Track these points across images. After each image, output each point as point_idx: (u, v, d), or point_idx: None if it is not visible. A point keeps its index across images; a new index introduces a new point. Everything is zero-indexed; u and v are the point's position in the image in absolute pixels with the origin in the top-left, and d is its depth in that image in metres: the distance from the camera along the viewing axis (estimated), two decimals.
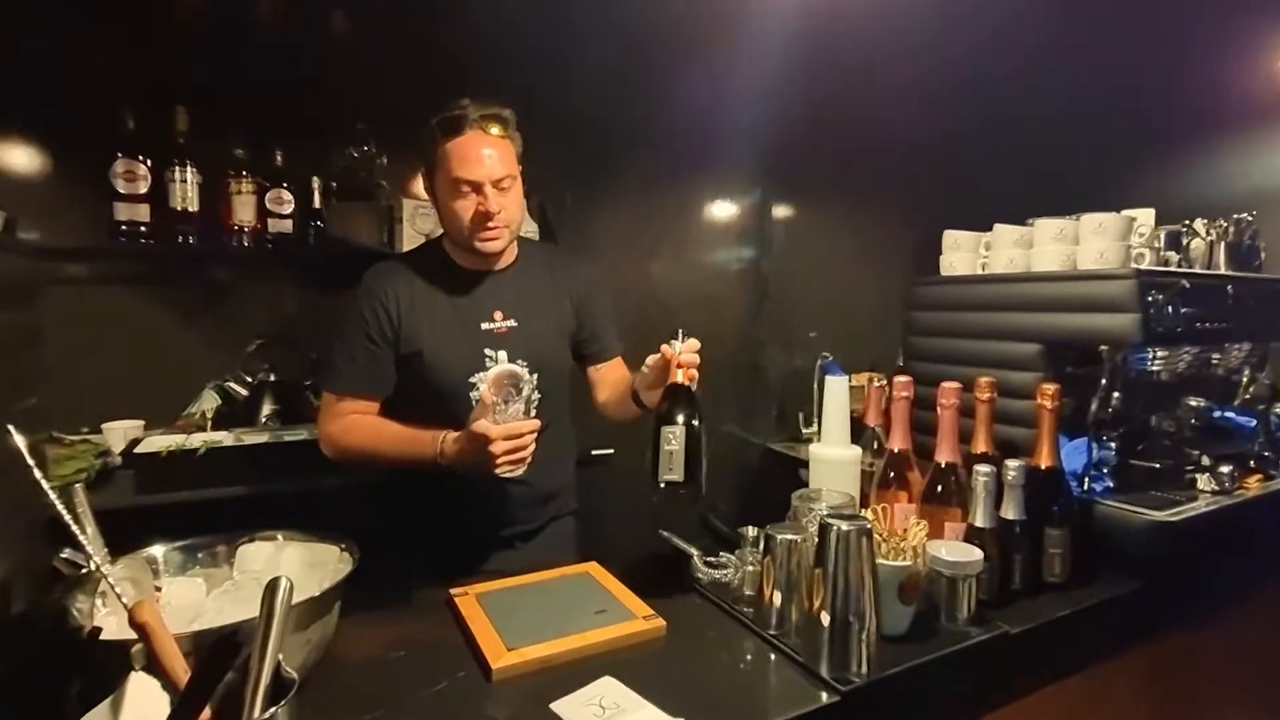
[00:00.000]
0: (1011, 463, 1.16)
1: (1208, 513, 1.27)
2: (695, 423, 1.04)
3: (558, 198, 2.19)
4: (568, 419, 1.42)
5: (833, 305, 2.68)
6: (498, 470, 1.10)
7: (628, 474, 1.05)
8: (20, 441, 0.73)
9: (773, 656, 0.98)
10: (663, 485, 1.01)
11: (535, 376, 1.29)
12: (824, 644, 0.91)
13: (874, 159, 2.64)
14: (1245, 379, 1.65)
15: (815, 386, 2.51)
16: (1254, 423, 1.49)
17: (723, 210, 2.62)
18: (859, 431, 1.38)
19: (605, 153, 2.26)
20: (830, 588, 0.90)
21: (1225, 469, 1.38)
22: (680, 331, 1.11)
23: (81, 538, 0.70)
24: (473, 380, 1.25)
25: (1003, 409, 1.26)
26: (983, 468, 1.13)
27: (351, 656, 0.93)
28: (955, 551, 1.07)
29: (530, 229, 2.06)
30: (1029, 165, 2.35)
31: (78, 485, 0.81)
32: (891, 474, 1.27)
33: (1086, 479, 1.36)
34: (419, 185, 2.06)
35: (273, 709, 0.60)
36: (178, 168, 1.73)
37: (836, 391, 1.37)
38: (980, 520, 1.13)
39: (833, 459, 1.34)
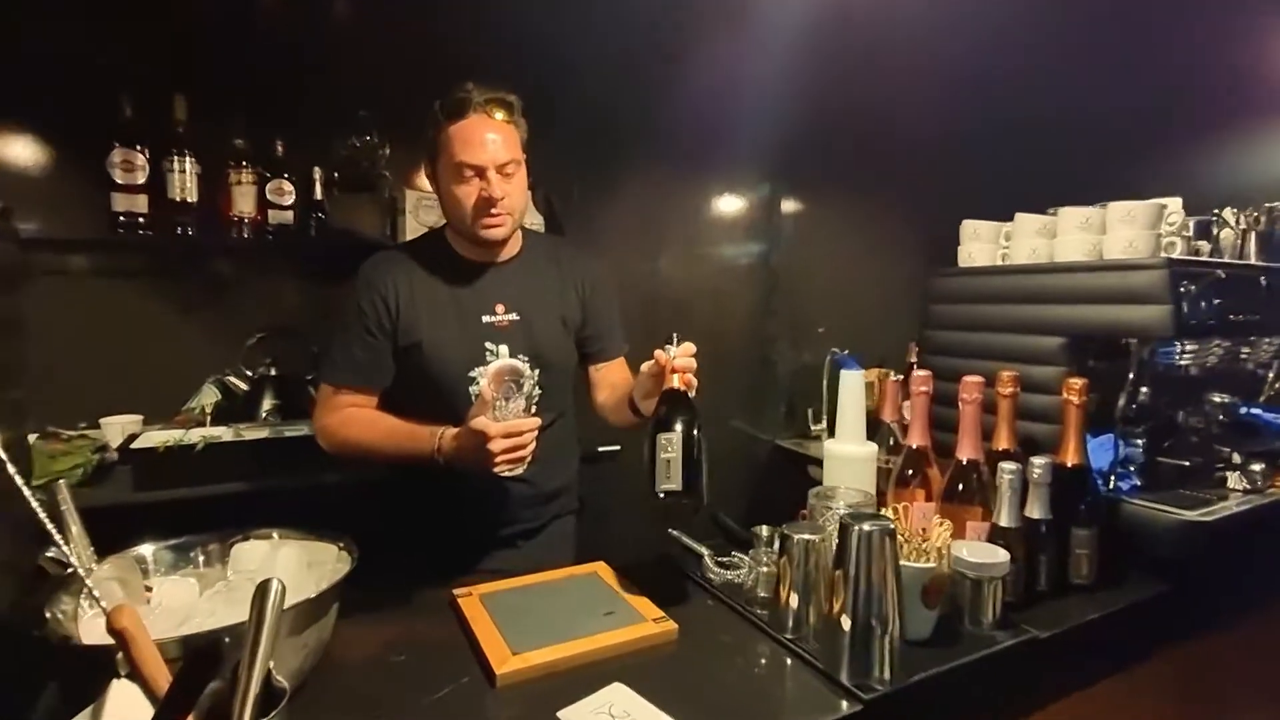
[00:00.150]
0: (1037, 460, 1.11)
1: (1241, 513, 1.22)
2: (694, 430, 0.99)
3: (564, 190, 2.15)
4: (572, 416, 1.38)
5: (842, 300, 2.65)
6: (496, 469, 1.07)
7: (635, 471, 1.01)
8: None
9: (789, 661, 0.94)
10: (661, 495, 0.96)
11: (537, 372, 1.24)
12: (844, 649, 0.87)
13: (885, 151, 2.59)
14: (1272, 374, 1.60)
15: (824, 382, 2.47)
16: None
17: (731, 204, 2.58)
18: (873, 427, 1.34)
19: (612, 145, 2.22)
20: (851, 591, 0.86)
21: (1257, 467, 1.33)
22: (675, 336, 1.07)
23: (58, 538, 0.66)
24: (472, 375, 1.22)
25: (1024, 404, 1.21)
26: (1008, 465, 1.08)
27: (350, 659, 0.89)
28: (979, 552, 1.02)
29: (535, 222, 2.02)
30: (1044, 156, 2.29)
31: (61, 482, 0.77)
32: (910, 471, 1.22)
33: (1112, 477, 1.31)
34: (423, 177, 2.04)
35: None
36: (176, 158, 1.70)
37: (852, 386, 1.33)
38: (1005, 520, 1.08)
39: (848, 455, 1.29)
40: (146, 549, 0.87)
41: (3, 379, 1.27)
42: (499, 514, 1.27)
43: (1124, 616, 1.09)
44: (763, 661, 0.93)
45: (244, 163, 1.77)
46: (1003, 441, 1.22)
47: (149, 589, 0.85)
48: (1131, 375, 1.30)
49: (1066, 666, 1.04)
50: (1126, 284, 1.24)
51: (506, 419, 1.07)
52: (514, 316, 1.26)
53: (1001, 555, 1.01)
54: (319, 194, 1.88)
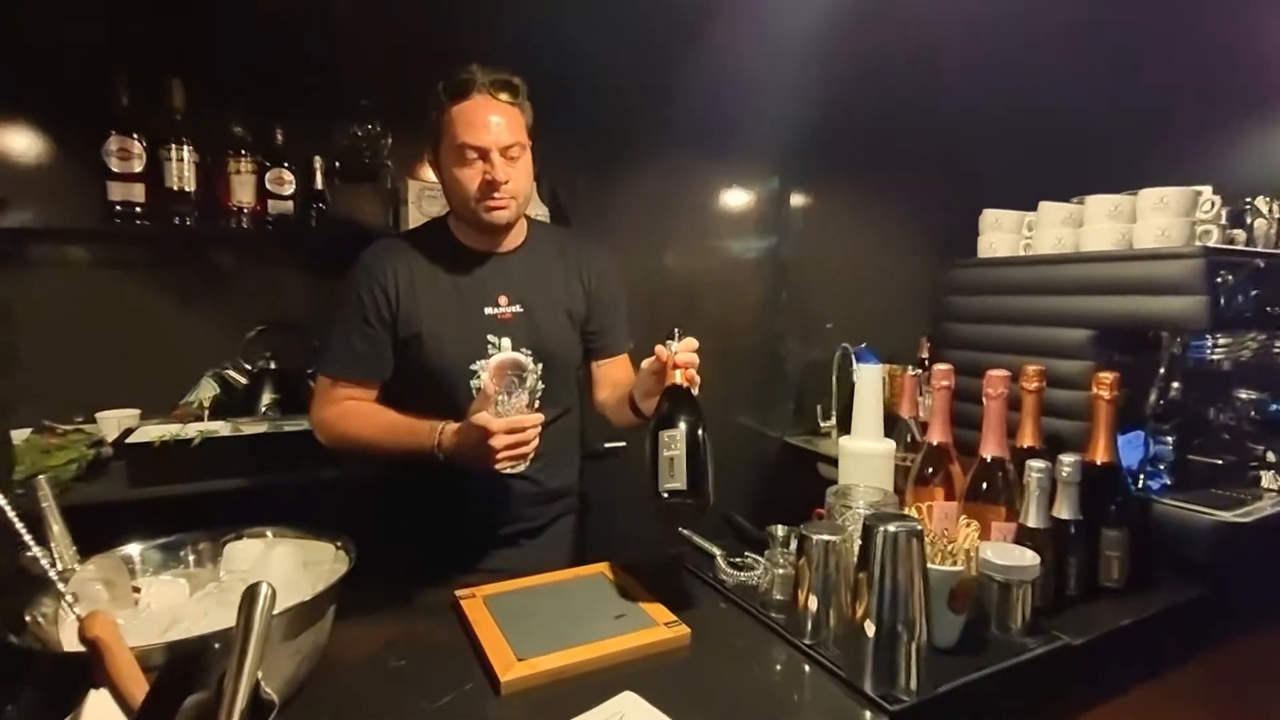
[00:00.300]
0: (1066, 458, 1.06)
1: (1277, 513, 1.17)
2: (698, 427, 0.94)
3: (569, 181, 2.10)
4: (577, 413, 1.33)
5: (851, 294, 2.60)
6: (498, 466, 1.03)
7: (641, 468, 0.96)
8: None
9: (807, 669, 0.89)
10: (665, 495, 0.91)
11: (540, 367, 1.20)
12: (868, 657, 0.82)
13: (897, 143, 2.54)
14: None
15: (834, 378, 2.43)
16: None
17: (740, 196, 2.54)
18: (889, 423, 1.29)
19: (619, 135, 2.18)
20: (876, 595, 0.81)
21: None
22: (676, 331, 1.02)
23: (27, 538, 0.62)
24: (474, 368, 1.17)
25: (1047, 400, 1.16)
26: (1036, 463, 1.03)
27: (347, 664, 0.85)
28: (1007, 554, 0.98)
29: (540, 213, 1.97)
30: (1059, 146, 2.23)
31: (41, 478, 0.73)
32: (930, 469, 1.17)
33: (1141, 476, 1.25)
34: (426, 168, 2.00)
35: None
36: (174, 146, 1.66)
37: (869, 380, 1.28)
38: (1033, 520, 1.03)
39: (865, 452, 1.25)
40: (134, 548, 0.83)
41: None
42: (501, 512, 1.23)
43: (1158, 621, 1.04)
44: (781, 669, 0.89)
45: (243, 151, 1.73)
46: (1027, 438, 1.17)
47: (138, 589, 0.81)
48: (1162, 370, 1.24)
49: (1099, 674, 0.99)
50: (1159, 274, 1.19)
51: (509, 414, 1.03)
52: (517, 308, 1.22)
53: (1031, 558, 0.96)
54: (320, 184, 1.84)
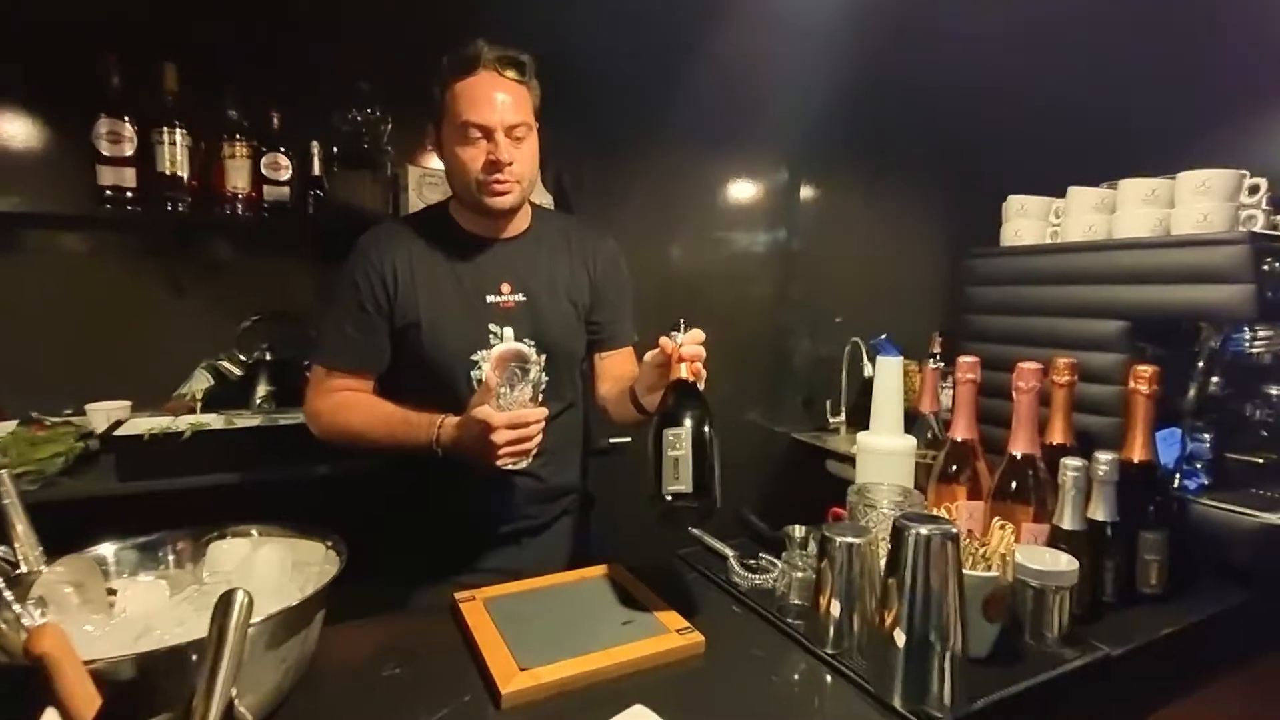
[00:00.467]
0: (1102, 455, 1.00)
1: None
2: (704, 424, 0.87)
3: (574, 169, 2.04)
4: (581, 407, 1.27)
5: (860, 288, 2.55)
6: (499, 462, 0.98)
7: (646, 465, 0.90)
8: None
9: (829, 678, 0.83)
10: (669, 498, 0.85)
11: (543, 358, 1.14)
12: (897, 668, 0.76)
13: (909, 135, 2.47)
14: None
15: (844, 373, 2.37)
16: None
17: (749, 187, 2.48)
18: (905, 420, 1.23)
19: (627, 123, 2.12)
20: (906, 601, 0.75)
21: None
22: (682, 322, 0.96)
23: None
24: (474, 359, 1.12)
25: (1075, 395, 1.10)
26: (1071, 461, 0.97)
27: (336, 674, 0.80)
28: (1042, 559, 0.91)
29: (544, 201, 1.92)
30: (1083, 133, 2.16)
31: (3, 473, 0.68)
32: (954, 467, 1.11)
33: (1178, 475, 1.19)
34: (427, 155, 1.95)
35: None
36: (166, 129, 1.60)
37: (889, 373, 1.22)
38: (1068, 522, 0.97)
39: (885, 449, 1.18)
40: (107, 548, 0.77)
41: None
42: (502, 510, 1.17)
43: (1201, 630, 0.98)
44: (802, 680, 0.83)
45: (238, 136, 1.67)
46: (1057, 435, 1.11)
47: (113, 592, 0.75)
48: (1201, 363, 1.18)
49: (1140, 686, 0.93)
50: (1200, 261, 1.12)
51: (511, 408, 0.97)
52: (520, 297, 1.16)
53: (1068, 562, 0.90)
54: (317, 170, 1.78)
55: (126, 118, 1.56)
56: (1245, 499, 1.14)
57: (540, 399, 1.04)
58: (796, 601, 0.96)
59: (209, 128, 1.66)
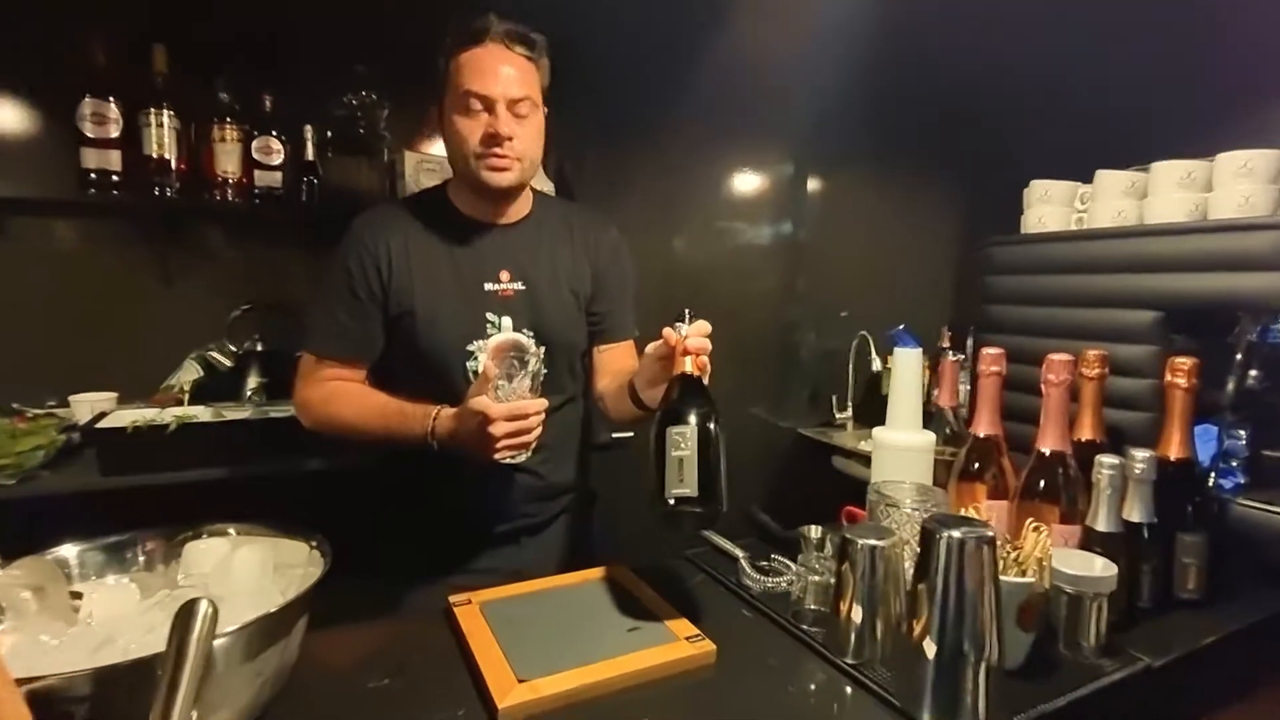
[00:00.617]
0: (1138, 453, 0.94)
1: None
2: (710, 422, 0.81)
3: (577, 157, 1.98)
4: (581, 401, 1.21)
5: (869, 281, 2.49)
6: (497, 455, 0.92)
7: (648, 463, 0.84)
8: None
9: (850, 690, 0.77)
10: (671, 502, 0.79)
11: (542, 350, 1.08)
12: (927, 681, 0.70)
13: (920, 123, 2.40)
14: None
15: (850, 367, 2.31)
16: None
17: (755, 178, 2.43)
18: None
19: (631, 111, 2.06)
20: (938, 609, 0.69)
21: None
22: (687, 312, 0.89)
23: None
24: (470, 348, 1.06)
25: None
26: (1107, 459, 0.91)
27: (319, 685, 0.74)
28: (1076, 563, 0.85)
29: (546, 189, 1.86)
30: (1105, 114, 2.08)
31: None
32: (976, 464, 1.05)
33: (1213, 473, 1.13)
34: (426, 140, 1.89)
35: None
36: (153, 111, 1.54)
37: (908, 366, 1.16)
38: (1103, 523, 0.91)
39: (903, 445, 1.13)
40: (69, 550, 0.71)
41: None
42: (500, 507, 1.11)
43: (1244, 637, 0.92)
44: (822, 693, 0.77)
45: (228, 119, 1.61)
46: (1087, 431, 1.05)
47: (78, 596, 0.69)
48: (1239, 356, 1.12)
49: (1182, 697, 0.87)
50: (1241, 247, 1.06)
51: (510, 399, 0.92)
52: (519, 285, 1.10)
53: (1106, 567, 0.84)
54: (311, 155, 1.72)
55: (112, 98, 1.51)
56: None
57: (539, 392, 0.98)
58: (813, 607, 0.90)
59: (198, 110, 1.60)
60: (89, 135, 1.49)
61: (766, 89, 2.23)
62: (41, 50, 1.50)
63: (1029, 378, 1.10)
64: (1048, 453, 0.99)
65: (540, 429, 0.95)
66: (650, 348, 0.94)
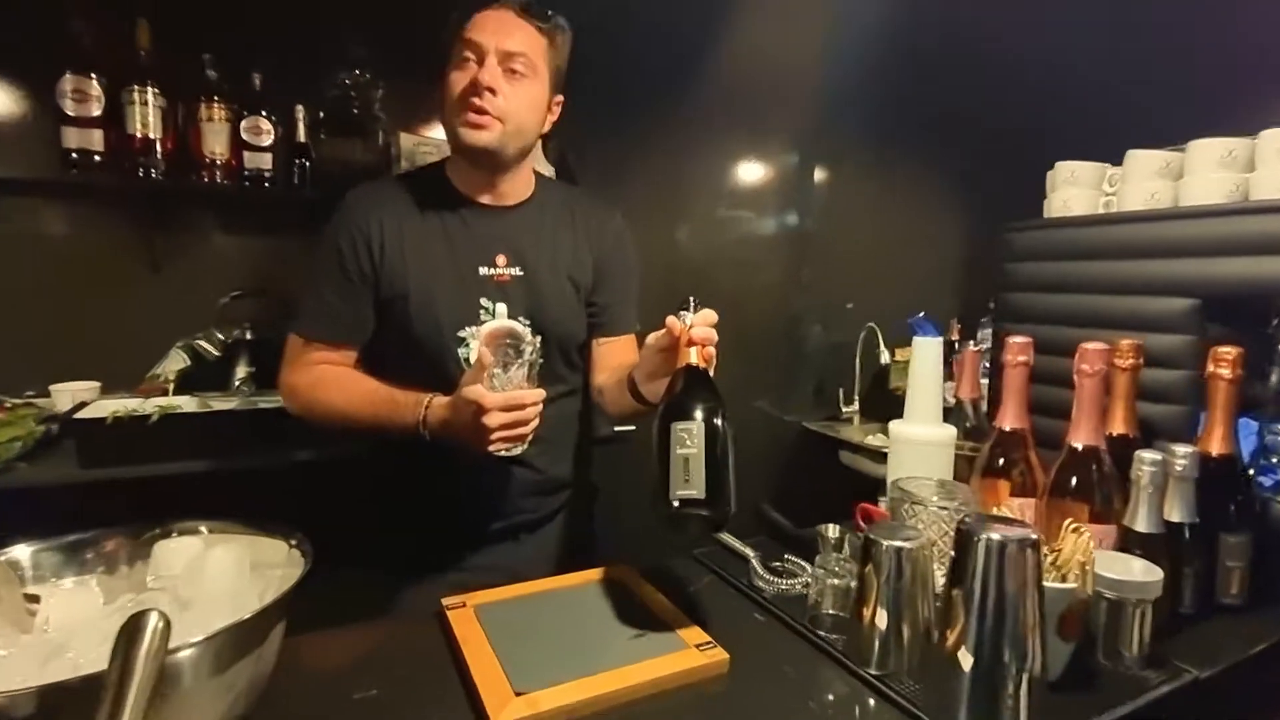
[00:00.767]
0: (1179, 448, 0.87)
1: None
2: (717, 418, 0.75)
3: (579, 144, 1.92)
4: (581, 394, 1.15)
5: (877, 273, 2.43)
6: (491, 447, 0.87)
7: (650, 462, 0.78)
8: None
9: (874, 703, 0.71)
10: (676, 504, 0.73)
11: (538, 339, 1.02)
12: (962, 693, 0.64)
13: (928, 110, 2.33)
14: None
15: (857, 359, 2.25)
16: None
17: (760, 167, 2.37)
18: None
19: (635, 98, 2.00)
20: (975, 617, 0.63)
21: None
22: (692, 301, 0.83)
23: None
24: (463, 335, 1.00)
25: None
26: (1148, 455, 0.84)
27: (297, 697, 0.68)
28: (1116, 566, 0.79)
29: (546, 174, 1.79)
30: (1130, 92, 2.01)
31: None
32: (1001, 460, 0.99)
33: (1252, 471, 1.06)
34: (422, 123, 1.82)
35: None
36: (137, 88, 1.48)
37: (928, 356, 1.10)
38: (1142, 524, 0.84)
39: (922, 440, 1.06)
40: (22, 550, 0.65)
41: None
42: (496, 502, 1.06)
43: None
44: (843, 705, 0.71)
45: (216, 97, 1.55)
46: (1119, 425, 0.99)
47: (35, 600, 0.63)
48: None
49: (1229, 709, 0.81)
50: None
51: (505, 389, 0.86)
52: (516, 271, 1.04)
53: (1149, 571, 0.78)
54: (303, 136, 1.66)
55: (94, 75, 1.44)
56: None
57: (536, 383, 0.92)
58: (831, 612, 0.84)
59: (185, 88, 1.54)
60: (70, 113, 1.43)
61: (772, 77, 2.18)
62: (19, 23, 1.44)
63: (1050, 368, 1.04)
64: (1080, 448, 0.93)
65: (538, 420, 0.89)
66: (652, 338, 0.88)
